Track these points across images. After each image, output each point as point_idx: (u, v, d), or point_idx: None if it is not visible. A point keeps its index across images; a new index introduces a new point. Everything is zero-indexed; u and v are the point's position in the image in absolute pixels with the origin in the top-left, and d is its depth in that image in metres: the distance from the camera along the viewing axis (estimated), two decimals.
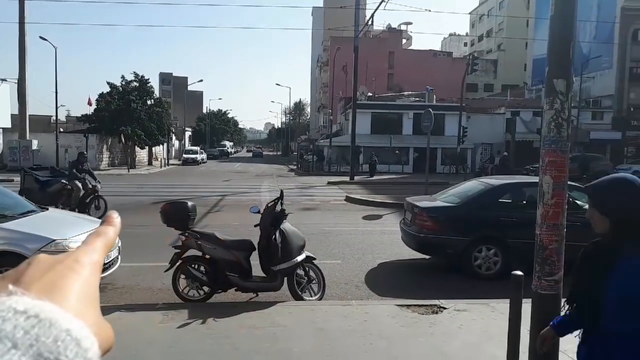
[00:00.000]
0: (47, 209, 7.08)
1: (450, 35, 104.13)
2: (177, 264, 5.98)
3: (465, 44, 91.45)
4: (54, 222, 6.45)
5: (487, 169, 33.24)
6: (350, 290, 6.85)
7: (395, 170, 36.93)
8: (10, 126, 31.16)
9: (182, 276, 6.00)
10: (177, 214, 6.07)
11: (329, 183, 25.63)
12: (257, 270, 6.05)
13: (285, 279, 5.97)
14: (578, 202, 8.48)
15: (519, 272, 4.30)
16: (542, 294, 3.42)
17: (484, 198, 8.07)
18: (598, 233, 2.06)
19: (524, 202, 8.20)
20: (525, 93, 53.76)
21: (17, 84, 31.60)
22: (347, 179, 27.10)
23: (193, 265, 6.00)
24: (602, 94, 43.24)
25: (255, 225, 6.27)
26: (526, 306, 4.53)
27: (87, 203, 12.71)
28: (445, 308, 5.76)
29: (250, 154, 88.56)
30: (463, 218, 7.90)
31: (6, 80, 31.41)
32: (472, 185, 8.81)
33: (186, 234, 6.02)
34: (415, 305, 5.82)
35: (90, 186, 12.83)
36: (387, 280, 7.46)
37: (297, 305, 5.69)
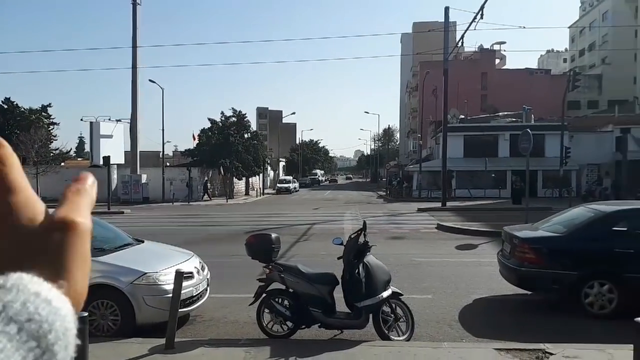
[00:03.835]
0: (143, 242, 7.41)
1: (548, 52, 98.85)
2: (262, 297, 5.91)
3: (565, 60, 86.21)
4: (147, 255, 6.71)
5: (595, 192, 30.47)
6: (442, 330, 6.34)
7: (491, 195, 35.10)
8: (123, 162, 34.06)
9: (267, 310, 5.91)
10: (261, 247, 6.04)
11: (419, 210, 24.83)
12: (341, 306, 5.81)
13: (371, 316, 5.65)
14: None
15: None
16: None
17: (594, 227, 7.22)
18: None
19: None
20: (636, 108, 49.05)
21: (129, 124, 34.76)
22: (438, 205, 26.12)
23: (277, 299, 5.90)
24: None
25: (339, 258, 6.05)
26: None
27: None
28: (552, 354, 5.09)
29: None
30: (570, 250, 7.11)
31: (121, 121, 34.48)
32: (579, 213, 7.93)
33: (270, 266, 5.95)
34: (516, 349, 5.21)
35: None
36: (484, 319, 6.82)
37: (384, 346, 5.33)
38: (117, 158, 31.40)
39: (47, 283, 0.36)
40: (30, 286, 0.35)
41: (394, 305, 5.82)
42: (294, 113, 70.05)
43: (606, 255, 6.90)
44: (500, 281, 7.95)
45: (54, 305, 0.35)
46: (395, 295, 5.81)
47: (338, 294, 5.82)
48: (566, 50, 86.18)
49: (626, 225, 7.34)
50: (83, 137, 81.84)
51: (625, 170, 25.08)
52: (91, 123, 31.61)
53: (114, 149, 30.65)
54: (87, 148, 50.85)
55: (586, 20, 71.19)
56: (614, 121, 39.70)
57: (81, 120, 35.09)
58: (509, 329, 6.34)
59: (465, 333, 6.22)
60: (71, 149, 49.97)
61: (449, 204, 26.31)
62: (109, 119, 33.16)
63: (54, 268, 0.38)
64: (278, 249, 6.14)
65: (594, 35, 67.95)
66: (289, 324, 5.85)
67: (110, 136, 31.78)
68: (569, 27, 76.91)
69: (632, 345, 3.86)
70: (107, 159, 27.47)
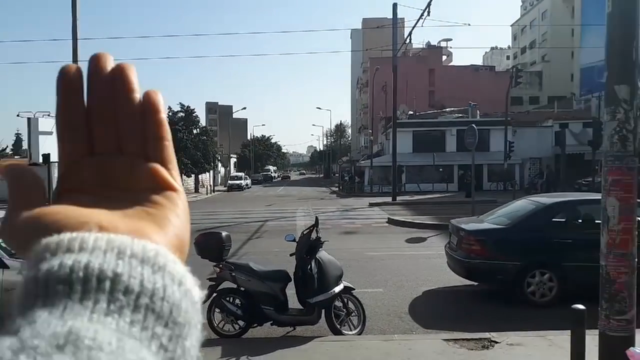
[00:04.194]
0: None
1: (492, 49, 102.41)
2: (212, 297, 5.80)
3: (508, 57, 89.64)
4: None
5: (537, 185, 31.93)
6: (392, 322, 6.45)
7: (439, 189, 36.08)
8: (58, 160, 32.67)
9: (217, 310, 5.81)
10: (211, 245, 5.92)
11: (371, 204, 25.18)
12: (294, 302, 5.79)
13: (323, 311, 5.67)
14: None
15: (580, 306, 3.85)
16: (611, 336, 2.95)
17: (535, 218, 7.54)
18: None
19: (580, 221, 7.60)
20: (574, 104, 51.75)
21: None
22: (389, 199, 26.58)
23: (228, 298, 5.81)
24: None
25: (291, 255, 6.03)
26: (589, 339, 4.05)
27: None
28: (496, 342, 5.28)
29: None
30: (513, 241, 7.39)
31: (50, 115, 32.95)
32: (521, 205, 8.27)
33: (220, 265, 5.85)
34: (463, 339, 5.37)
35: None
36: (433, 310, 7.00)
37: (335, 341, 5.37)
38: (55, 156, 30.08)
39: (173, 256, 0.30)
40: (160, 261, 0.29)
41: (345, 300, 5.86)
42: (244, 108, 68.86)
43: (546, 246, 7.22)
44: (448, 273, 8.16)
45: (186, 287, 0.29)
46: (347, 289, 5.85)
47: (291, 290, 5.80)
48: (509, 47, 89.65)
49: (565, 216, 7.71)
50: (20, 134, 77.31)
51: (563, 163, 26.36)
52: (29, 119, 29.90)
53: (55, 146, 29.28)
54: (25, 145, 48.38)
55: (527, 19, 74.30)
56: (553, 116, 41.67)
57: (18, 116, 33.12)
58: (457, 319, 6.53)
59: (415, 325, 6.36)
60: (7, 146, 47.37)
61: (399, 198, 26.83)
62: (49, 115, 31.64)
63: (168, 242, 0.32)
64: (229, 247, 6.04)
65: (535, 34, 71.02)
66: (241, 322, 5.78)
67: (50, 133, 30.28)
68: (511, 25, 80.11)
69: (569, 330, 4.04)
70: (47, 156, 26.12)
